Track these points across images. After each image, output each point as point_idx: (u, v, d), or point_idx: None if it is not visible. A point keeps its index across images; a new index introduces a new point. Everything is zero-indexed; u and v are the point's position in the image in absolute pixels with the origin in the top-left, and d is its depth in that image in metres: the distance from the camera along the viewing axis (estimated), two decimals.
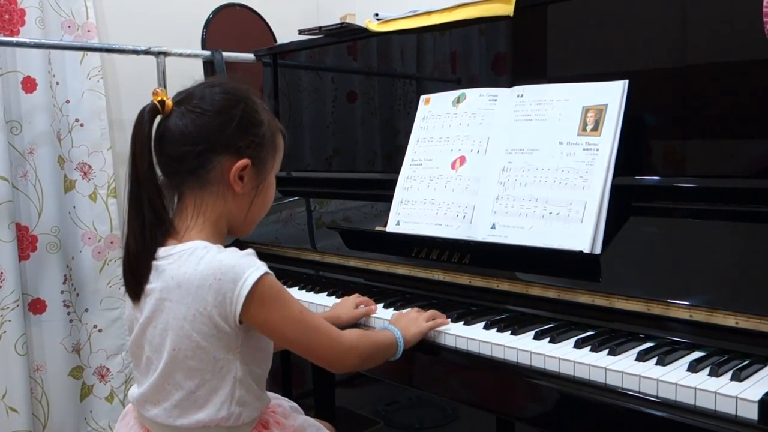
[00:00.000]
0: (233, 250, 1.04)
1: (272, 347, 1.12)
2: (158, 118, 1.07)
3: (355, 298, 1.39)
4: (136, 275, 1.06)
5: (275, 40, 2.56)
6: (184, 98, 1.08)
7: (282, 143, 1.16)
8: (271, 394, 1.17)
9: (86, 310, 2.30)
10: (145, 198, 1.05)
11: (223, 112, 1.06)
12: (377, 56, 1.87)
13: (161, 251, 1.05)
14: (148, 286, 1.05)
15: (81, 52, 2.22)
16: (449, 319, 1.27)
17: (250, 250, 1.05)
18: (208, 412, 1.04)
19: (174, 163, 1.07)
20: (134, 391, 1.12)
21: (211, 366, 1.03)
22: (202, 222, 1.07)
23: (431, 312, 1.27)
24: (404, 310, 1.33)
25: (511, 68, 1.57)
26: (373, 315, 1.36)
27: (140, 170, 1.05)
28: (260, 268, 1.02)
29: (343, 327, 1.29)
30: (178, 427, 1.05)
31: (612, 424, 0.99)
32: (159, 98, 1.05)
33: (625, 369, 0.99)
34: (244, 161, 1.07)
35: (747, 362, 0.99)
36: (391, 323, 1.23)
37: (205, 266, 1.01)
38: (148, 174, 1.05)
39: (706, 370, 0.96)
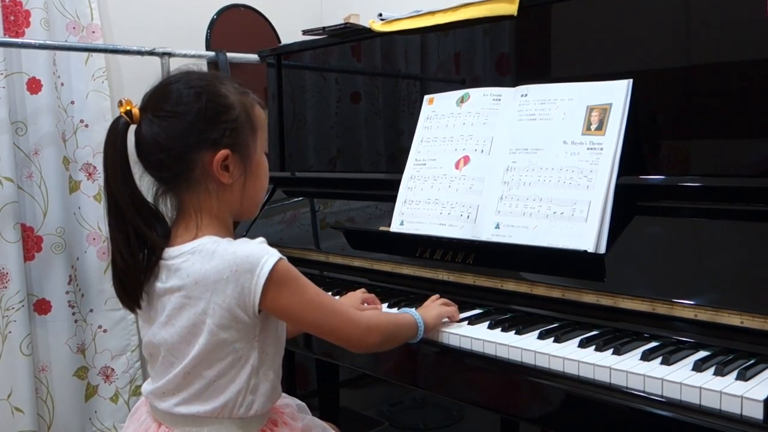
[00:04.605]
0: (244, 240, 1.04)
1: (285, 336, 1.13)
2: (132, 128, 1.06)
3: (362, 293, 1.39)
4: (128, 291, 1.06)
5: (279, 41, 2.57)
6: (147, 102, 1.06)
7: (263, 116, 1.13)
8: None
9: (91, 311, 2.31)
10: (127, 216, 1.03)
11: (187, 111, 1.03)
12: (381, 56, 1.87)
13: (172, 251, 1.05)
14: (163, 286, 1.05)
15: (86, 53, 2.22)
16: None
17: (261, 239, 1.05)
18: (223, 399, 1.04)
19: (156, 171, 1.06)
20: (147, 386, 1.12)
21: (231, 356, 1.04)
22: (202, 219, 1.07)
23: (443, 300, 1.30)
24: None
25: (514, 68, 1.57)
26: None
27: (114, 188, 1.04)
28: (274, 254, 1.02)
29: None
30: (191, 415, 1.06)
31: (616, 423, 0.99)
32: (124, 109, 1.04)
33: (629, 368, 0.99)
34: (223, 152, 1.04)
35: (752, 362, 0.98)
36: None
37: (219, 260, 1.01)
38: (123, 191, 1.03)
39: (711, 370, 0.96)
